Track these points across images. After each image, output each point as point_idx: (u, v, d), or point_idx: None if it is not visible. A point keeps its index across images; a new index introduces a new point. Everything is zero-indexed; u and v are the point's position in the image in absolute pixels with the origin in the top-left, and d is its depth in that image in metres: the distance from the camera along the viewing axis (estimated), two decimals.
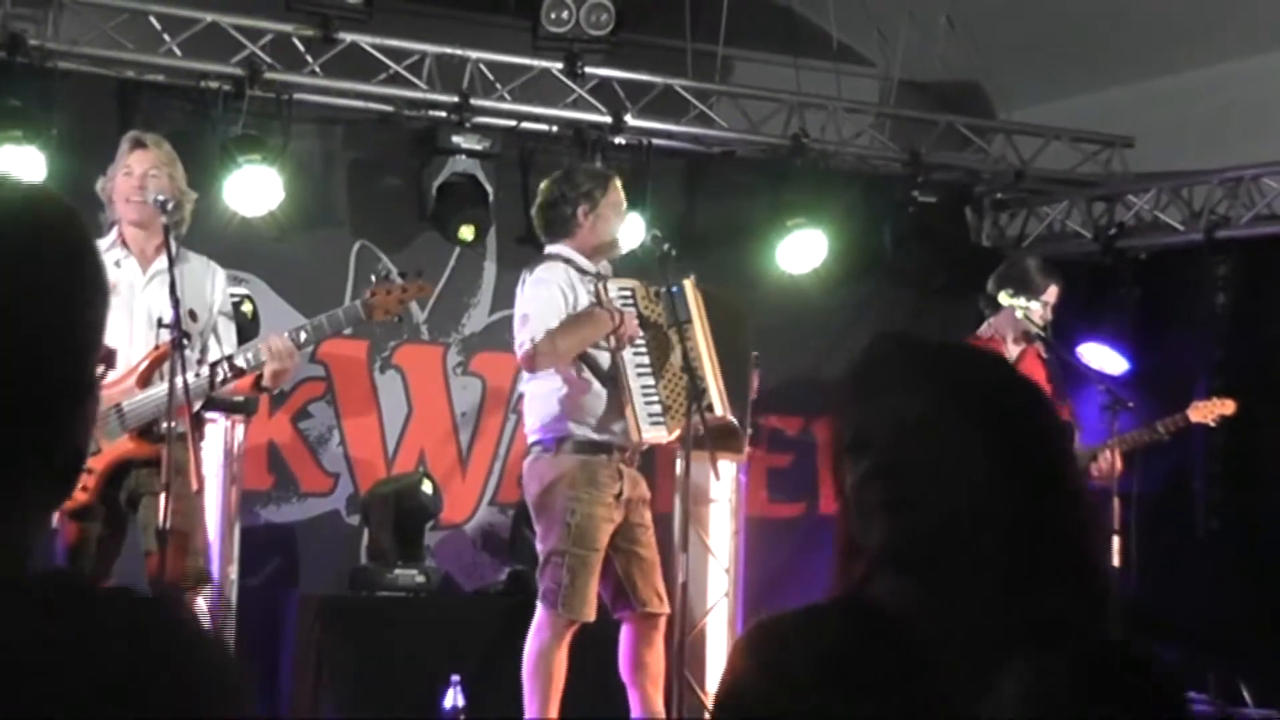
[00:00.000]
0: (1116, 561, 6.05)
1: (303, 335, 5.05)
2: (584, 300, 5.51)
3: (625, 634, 5.60)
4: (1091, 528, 1.75)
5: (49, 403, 1.23)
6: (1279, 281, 7.63)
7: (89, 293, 1.26)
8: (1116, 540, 6.05)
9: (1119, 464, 6.20)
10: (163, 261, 4.95)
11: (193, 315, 5.05)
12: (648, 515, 5.65)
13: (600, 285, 5.54)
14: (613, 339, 5.47)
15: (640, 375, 5.52)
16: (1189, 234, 7.88)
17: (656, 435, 5.52)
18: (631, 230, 6.30)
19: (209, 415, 5.74)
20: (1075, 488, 1.75)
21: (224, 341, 5.17)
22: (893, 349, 1.80)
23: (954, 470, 1.63)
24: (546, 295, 5.47)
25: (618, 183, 5.72)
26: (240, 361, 4.97)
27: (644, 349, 5.57)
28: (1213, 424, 6.49)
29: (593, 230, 5.60)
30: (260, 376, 5.00)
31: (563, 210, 5.63)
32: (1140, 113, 8.28)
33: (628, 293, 5.61)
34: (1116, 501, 6.08)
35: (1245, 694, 6.90)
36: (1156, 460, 6.56)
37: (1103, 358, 7.14)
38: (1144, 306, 7.99)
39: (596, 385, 5.51)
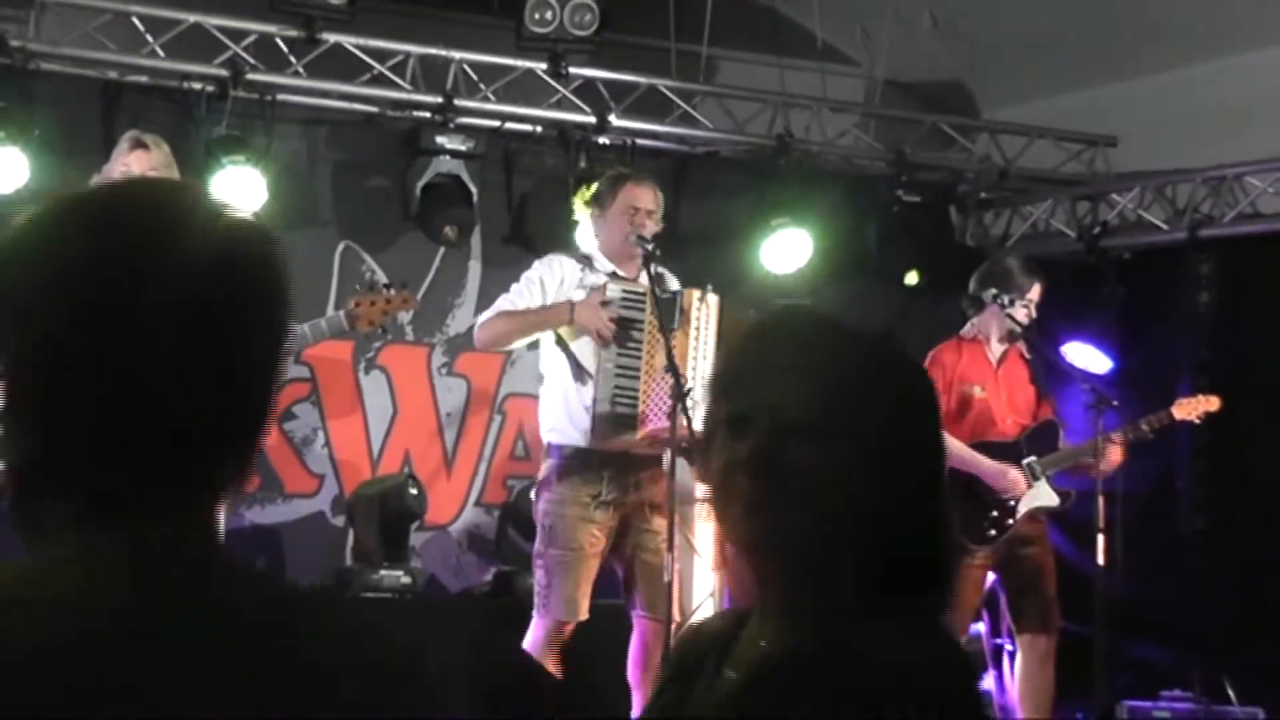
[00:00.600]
0: (1101, 560, 6.05)
1: None
2: (576, 296, 5.51)
3: (635, 635, 5.58)
4: (949, 533, 1.70)
5: (249, 427, 1.35)
6: (1263, 280, 7.64)
7: (287, 325, 1.35)
8: (1101, 539, 6.05)
9: (1117, 455, 6.16)
10: None
11: None
12: (656, 521, 5.51)
13: (603, 284, 5.51)
14: (573, 332, 5.46)
15: (617, 376, 5.48)
16: (1172, 233, 7.89)
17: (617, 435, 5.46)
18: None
19: None
20: (940, 492, 1.70)
21: None
22: (789, 331, 1.74)
23: (821, 474, 1.58)
24: (523, 282, 5.58)
25: (631, 185, 5.65)
26: None
27: (635, 352, 5.51)
28: (1197, 421, 6.47)
29: (602, 232, 5.64)
30: None
31: (586, 214, 5.74)
32: (1124, 112, 8.29)
33: (636, 295, 5.55)
34: (1101, 500, 6.07)
35: (1230, 692, 6.91)
36: (1141, 459, 6.55)
37: (1087, 357, 7.14)
38: (1128, 305, 8.00)
39: (581, 387, 5.51)
